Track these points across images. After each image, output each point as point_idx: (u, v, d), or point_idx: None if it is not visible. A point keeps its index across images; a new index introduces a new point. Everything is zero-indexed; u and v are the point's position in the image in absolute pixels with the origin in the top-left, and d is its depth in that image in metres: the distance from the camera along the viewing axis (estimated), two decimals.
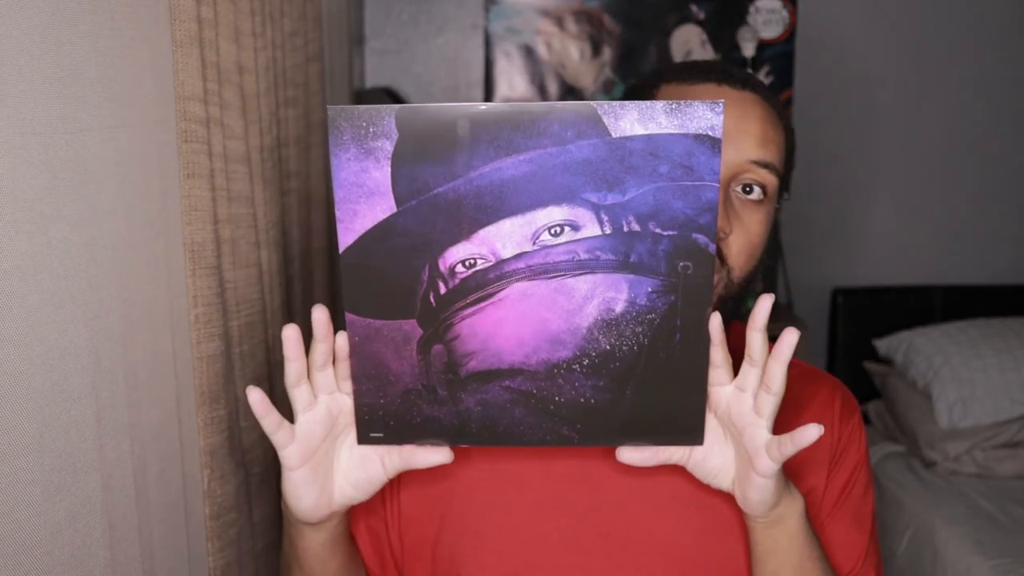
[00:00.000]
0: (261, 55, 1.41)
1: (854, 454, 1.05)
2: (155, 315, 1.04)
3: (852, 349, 2.96)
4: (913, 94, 2.97)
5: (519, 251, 0.74)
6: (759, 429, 0.83)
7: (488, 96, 2.89)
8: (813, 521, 1.00)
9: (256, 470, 1.36)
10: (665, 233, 0.74)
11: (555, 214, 0.73)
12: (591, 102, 0.70)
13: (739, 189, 0.93)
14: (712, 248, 0.75)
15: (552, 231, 0.74)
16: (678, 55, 2.96)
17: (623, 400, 0.79)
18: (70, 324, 0.86)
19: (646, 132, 0.71)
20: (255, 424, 1.36)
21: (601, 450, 0.98)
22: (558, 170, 0.72)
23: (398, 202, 0.74)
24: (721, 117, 0.70)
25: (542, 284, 0.76)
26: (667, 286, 0.76)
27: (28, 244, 0.80)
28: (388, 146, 0.72)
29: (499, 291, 0.76)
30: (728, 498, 0.96)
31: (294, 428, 0.88)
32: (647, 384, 0.78)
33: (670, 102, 0.70)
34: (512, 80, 2.91)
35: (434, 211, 0.73)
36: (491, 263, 0.75)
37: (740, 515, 0.97)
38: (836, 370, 2.98)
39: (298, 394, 0.87)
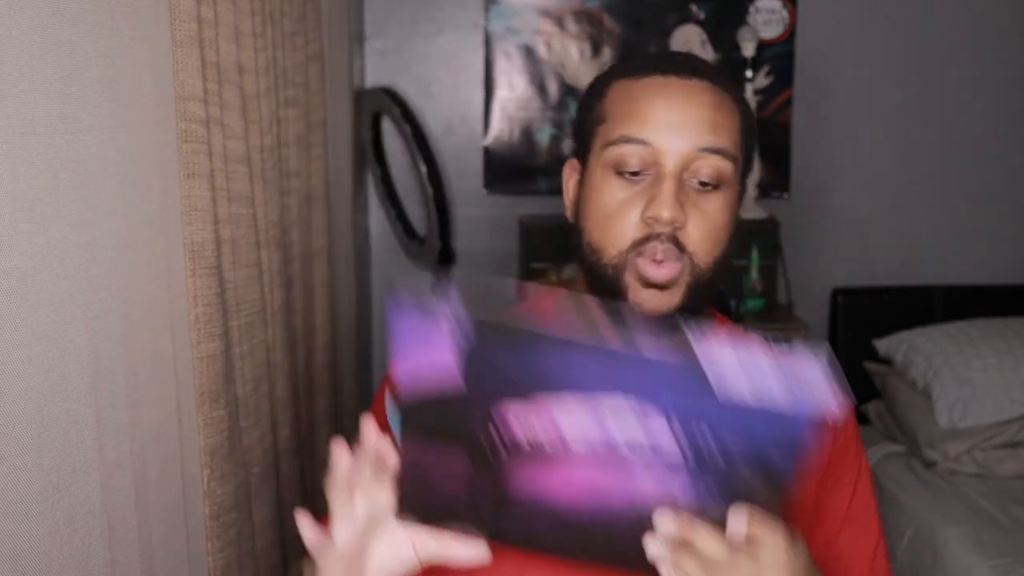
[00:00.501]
0: (261, 55, 1.41)
1: (852, 465, 1.04)
2: (155, 315, 1.04)
3: (852, 349, 2.95)
4: (913, 94, 2.97)
5: (585, 429, 0.74)
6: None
7: (488, 96, 2.89)
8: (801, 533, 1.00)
9: (256, 470, 1.36)
10: (742, 471, 0.73)
11: (627, 405, 0.72)
12: (697, 358, 0.69)
13: (693, 180, 0.94)
14: (787, 486, 0.75)
15: (621, 417, 0.73)
16: None
17: None
18: (70, 324, 0.86)
19: (753, 397, 0.70)
20: (255, 424, 1.36)
21: None
22: (641, 371, 0.71)
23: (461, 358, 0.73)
24: (825, 379, 0.70)
25: (605, 463, 0.75)
26: (733, 501, 0.77)
27: (28, 244, 0.80)
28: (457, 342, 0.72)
29: (558, 457, 0.76)
30: None
31: (334, 541, 0.85)
32: None
33: (776, 362, 0.69)
34: (512, 80, 2.91)
35: (497, 369, 0.73)
36: (553, 432, 0.74)
37: None
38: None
39: (339, 503, 0.84)
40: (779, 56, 2.95)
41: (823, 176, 3.02)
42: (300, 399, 1.69)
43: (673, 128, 0.92)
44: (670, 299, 0.93)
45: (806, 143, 3.00)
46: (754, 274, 2.76)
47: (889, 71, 3.00)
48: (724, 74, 0.99)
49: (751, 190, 2.80)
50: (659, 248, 0.91)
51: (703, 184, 0.93)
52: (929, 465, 2.63)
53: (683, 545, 0.78)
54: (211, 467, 1.17)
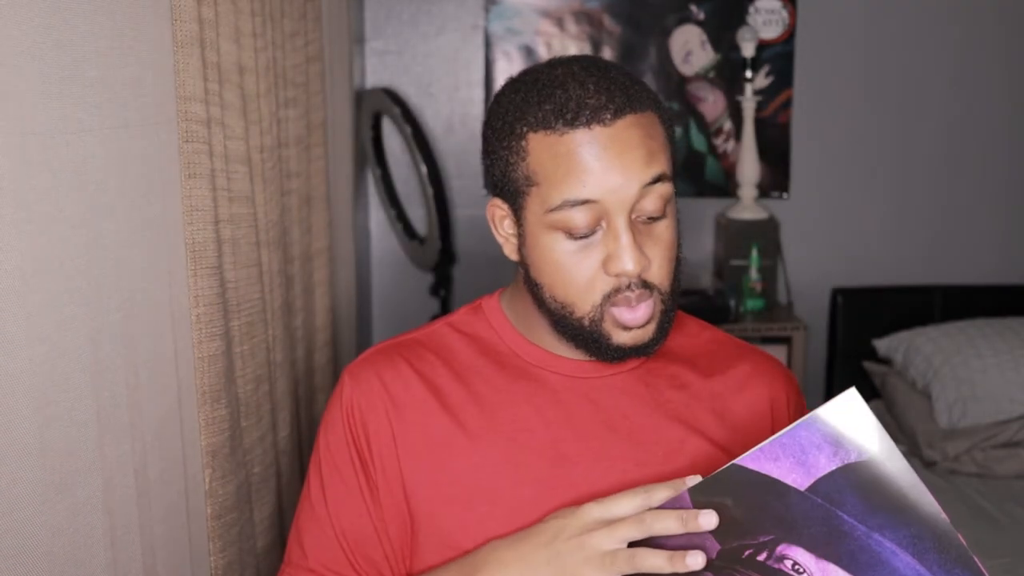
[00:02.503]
0: (262, 55, 1.41)
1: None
2: (156, 315, 1.04)
3: (852, 349, 2.95)
4: (913, 94, 2.97)
5: None
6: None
7: (488, 96, 2.89)
8: None
9: (257, 470, 1.36)
10: None
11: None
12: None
13: (642, 216, 0.94)
14: None
15: None
16: (678, 55, 2.96)
17: None
18: (71, 324, 0.86)
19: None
20: (256, 424, 1.36)
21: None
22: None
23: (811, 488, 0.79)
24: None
25: None
26: None
27: (29, 244, 0.81)
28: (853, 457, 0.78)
29: None
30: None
31: None
32: None
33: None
34: None
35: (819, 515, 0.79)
36: None
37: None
38: (836, 370, 2.98)
39: None
40: (779, 56, 2.95)
41: (823, 176, 3.02)
42: (300, 399, 1.69)
43: (614, 179, 0.91)
44: (647, 333, 0.95)
45: (806, 143, 3.00)
46: (754, 274, 2.76)
47: (889, 71, 3.00)
48: (633, 79, 0.97)
49: (752, 190, 2.80)
50: (632, 295, 0.92)
51: (651, 216, 0.94)
52: (929, 465, 2.63)
53: None
54: (212, 467, 1.17)
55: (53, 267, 0.84)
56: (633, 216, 0.93)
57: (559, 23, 2.91)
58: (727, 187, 2.97)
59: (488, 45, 2.90)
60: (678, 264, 0.98)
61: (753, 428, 1.04)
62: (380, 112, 2.74)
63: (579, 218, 0.91)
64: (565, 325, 0.96)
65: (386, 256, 2.92)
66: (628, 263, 0.90)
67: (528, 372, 1.01)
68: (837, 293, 2.99)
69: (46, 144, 0.83)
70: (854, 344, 2.98)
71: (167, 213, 1.07)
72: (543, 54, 2.92)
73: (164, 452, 1.06)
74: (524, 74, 1.00)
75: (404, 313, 2.92)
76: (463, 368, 1.02)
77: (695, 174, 3.00)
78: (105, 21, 0.92)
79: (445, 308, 2.79)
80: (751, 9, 2.92)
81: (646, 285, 0.93)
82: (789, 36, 2.94)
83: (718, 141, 2.99)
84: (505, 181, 0.96)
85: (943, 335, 2.76)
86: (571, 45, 2.93)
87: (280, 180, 1.54)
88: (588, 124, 0.92)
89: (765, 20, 2.94)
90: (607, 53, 2.93)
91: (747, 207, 2.80)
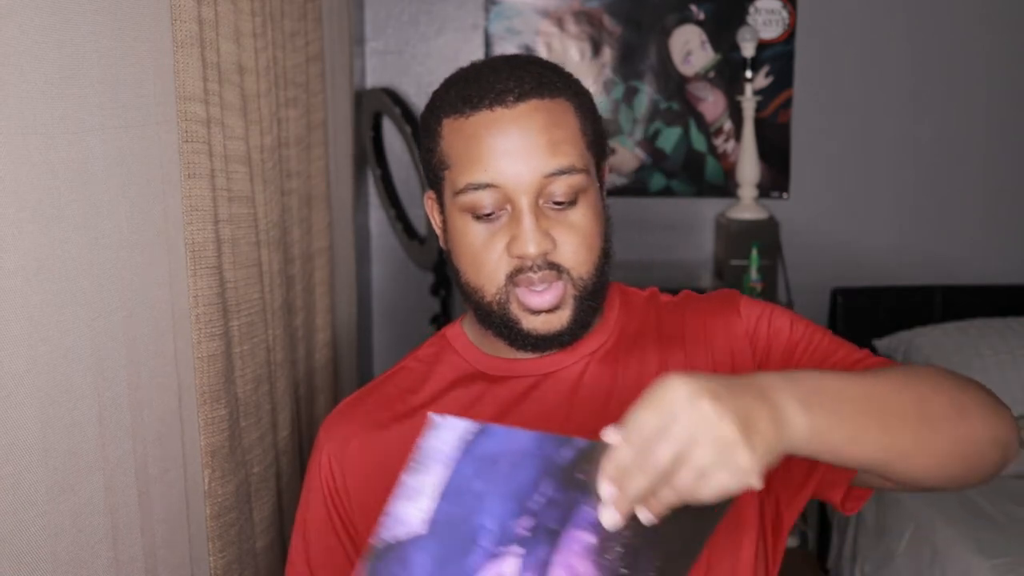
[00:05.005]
0: (262, 55, 1.41)
1: (765, 326, 1.02)
2: (157, 315, 1.04)
3: None
4: (913, 94, 2.98)
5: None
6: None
7: None
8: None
9: (256, 470, 1.36)
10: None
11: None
12: None
13: (549, 202, 0.94)
14: None
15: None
16: (678, 55, 2.96)
17: None
18: (72, 324, 0.86)
19: None
20: (255, 424, 1.36)
21: None
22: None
23: None
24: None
25: None
26: None
27: (30, 244, 0.81)
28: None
29: None
30: None
31: None
32: None
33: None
34: None
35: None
36: None
37: None
38: None
39: None
40: (779, 56, 2.95)
41: (823, 176, 3.02)
42: (300, 399, 1.69)
43: (514, 164, 0.92)
44: (560, 319, 0.94)
45: (806, 143, 3.00)
46: (754, 274, 2.76)
47: (889, 71, 3.00)
48: (550, 69, 0.98)
49: (752, 190, 2.80)
50: (535, 277, 0.92)
51: (559, 203, 0.94)
52: None
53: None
54: (212, 467, 1.17)
55: (54, 267, 0.84)
56: (541, 201, 0.93)
57: (559, 23, 2.91)
58: (727, 187, 2.97)
59: (488, 45, 2.90)
60: (603, 254, 0.97)
61: (738, 367, 1.04)
62: (380, 112, 2.74)
63: (483, 200, 0.92)
64: (480, 312, 0.96)
65: (386, 256, 2.92)
66: (528, 245, 0.91)
67: (497, 382, 1.01)
68: (837, 293, 2.99)
69: (47, 144, 0.83)
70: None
71: (168, 213, 1.07)
72: (543, 54, 2.92)
73: (165, 452, 1.06)
74: (457, 70, 1.02)
75: (404, 313, 2.93)
76: (433, 399, 1.02)
77: (695, 174, 3.00)
78: (106, 21, 0.92)
79: (445, 308, 2.79)
80: (751, 9, 2.92)
81: (554, 267, 0.93)
82: (789, 36, 2.94)
83: (718, 141, 2.99)
84: (428, 169, 0.99)
85: (943, 335, 2.76)
86: (571, 45, 2.93)
87: (280, 180, 1.55)
88: (491, 106, 0.93)
89: (765, 20, 2.94)
90: (607, 53, 2.93)
91: (747, 207, 2.80)
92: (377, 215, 2.91)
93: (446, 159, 0.95)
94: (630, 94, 2.97)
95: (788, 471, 0.99)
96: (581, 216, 0.95)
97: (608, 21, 2.93)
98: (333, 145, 1.99)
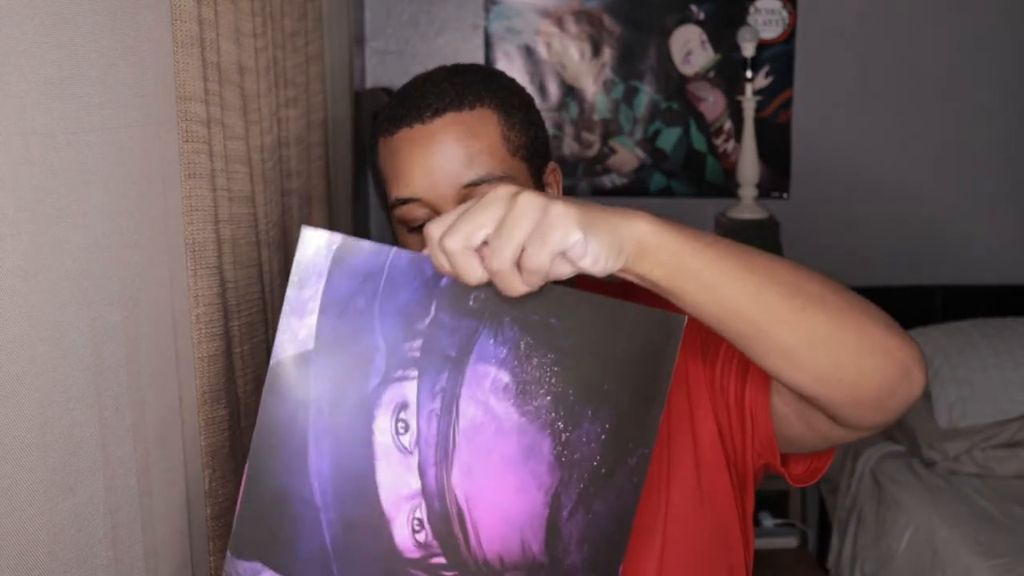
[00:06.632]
0: (262, 55, 1.41)
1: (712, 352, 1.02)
2: (157, 315, 1.04)
3: None
4: (912, 94, 2.98)
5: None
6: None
7: None
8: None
9: None
10: None
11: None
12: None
13: None
14: None
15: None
16: (678, 55, 2.96)
17: None
18: (72, 325, 0.86)
19: None
20: (256, 424, 1.36)
21: None
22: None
23: None
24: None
25: None
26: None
27: (30, 244, 0.80)
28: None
29: None
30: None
31: None
32: None
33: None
34: None
35: None
36: None
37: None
38: None
39: None
40: (779, 56, 2.95)
41: (823, 176, 3.02)
42: None
43: (432, 177, 0.95)
44: None
45: (806, 143, 3.00)
46: None
47: (889, 71, 3.00)
48: (478, 79, 1.00)
49: (752, 190, 2.80)
50: None
51: None
52: (929, 465, 2.63)
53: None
54: (212, 467, 1.17)
55: (54, 267, 0.84)
56: None
57: (559, 23, 2.91)
58: (727, 187, 2.97)
59: (488, 45, 2.90)
60: None
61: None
62: (380, 112, 2.74)
63: (411, 213, 0.96)
64: None
65: None
66: None
67: None
68: None
69: (47, 144, 0.83)
70: None
71: (168, 213, 1.07)
72: (543, 54, 2.92)
73: (166, 452, 1.06)
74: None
75: None
76: None
77: (695, 174, 3.00)
78: (106, 21, 0.92)
79: None
80: (751, 9, 2.92)
81: None
82: (789, 36, 2.94)
83: (718, 141, 2.99)
84: (376, 186, 1.05)
85: (943, 335, 2.76)
86: (571, 45, 2.93)
87: (280, 180, 1.55)
88: (410, 123, 0.98)
89: (765, 20, 2.94)
90: (607, 53, 2.93)
91: (747, 207, 2.80)
92: (377, 215, 2.91)
93: (382, 176, 1.01)
94: (630, 94, 2.97)
95: (732, 434, 1.01)
96: None
97: (608, 21, 2.93)
98: (333, 145, 1.99)
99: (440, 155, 0.95)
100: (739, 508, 1.05)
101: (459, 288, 0.71)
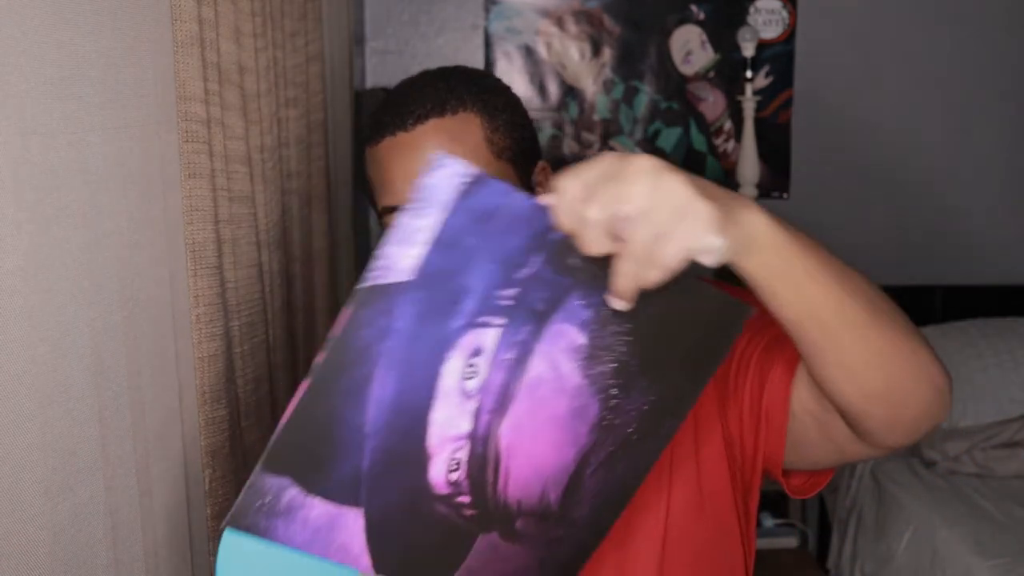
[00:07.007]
0: (262, 55, 1.41)
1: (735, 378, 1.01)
2: (157, 315, 1.04)
3: None
4: (912, 93, 2.98)
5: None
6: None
7: None
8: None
9: None
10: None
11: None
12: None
13: None
14: None
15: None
16: (678, 55, 2.96)
17: None
18: (72, 324, 0.86)
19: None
20: (256, 423, 1.36)
21: None
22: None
23: None
24: None
25: None
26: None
27: (30, 244, 0.80)
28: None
29: None
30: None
31: None
32: None
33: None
34: (512, 80, 2.90)
35: None
36: None
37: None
38: None
39: None
40: (779, 56, 2.95)
41: (823, 176, 3.02)
42: None
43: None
44: None
45: (806, 143, 3.00)
46: None
47: (888, 70, 3.00)
48: (460, 82, 1.00)
49: (752, 190, 2.80)
50: None
51: None
52: (929, 465, 2.63)
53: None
54: (212, 467, 1.17)
55: (54, 267, 0.84)
56: None
57: (559, 23, 2.91)
58: (727, 187, 2.97)
59: (488, 45, 2.90)
60: None
61: None
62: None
63: None
64: None
65: None
66: None
67: None
68: None
69: (47, 144, 0.83)
70: None
71: (168, 213, 1.07)
72: (543, 54, 2.92)
73: (166, 453, 1.06)
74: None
75: None
76: None
77: (695, 174, 3.01)
78: (106, 21, 0.92)
79: None
80: (751, 9, 2.92)
81: None
82: (789, 36, 2.94)
83: (718, 141, 2.99)
84: (366, 193, 1.05)
85: (943, 335, 2.77)
86: (571, 45, 2.93)
87: (280, 180, 1.55)
88: (393, 132, 0.97)
89: (765, 20, 2.94)
90: (607, 53, 2.93)
91: None
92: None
93: (370, 184, 1.01)
94: (630, 94, 2.97)
95: (743, 441, 1.00)
96: None
97: (608, 21, 2.93)
98: (333, 145, 1.99)
99: (422, 162, 0.92)
100: (740, 511, 1.04)
101: (567, 245, 0.69)
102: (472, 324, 0.71)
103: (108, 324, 0.93)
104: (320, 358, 0.70)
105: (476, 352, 0.71)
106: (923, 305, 3.00)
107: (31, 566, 0.81)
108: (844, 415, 0.85)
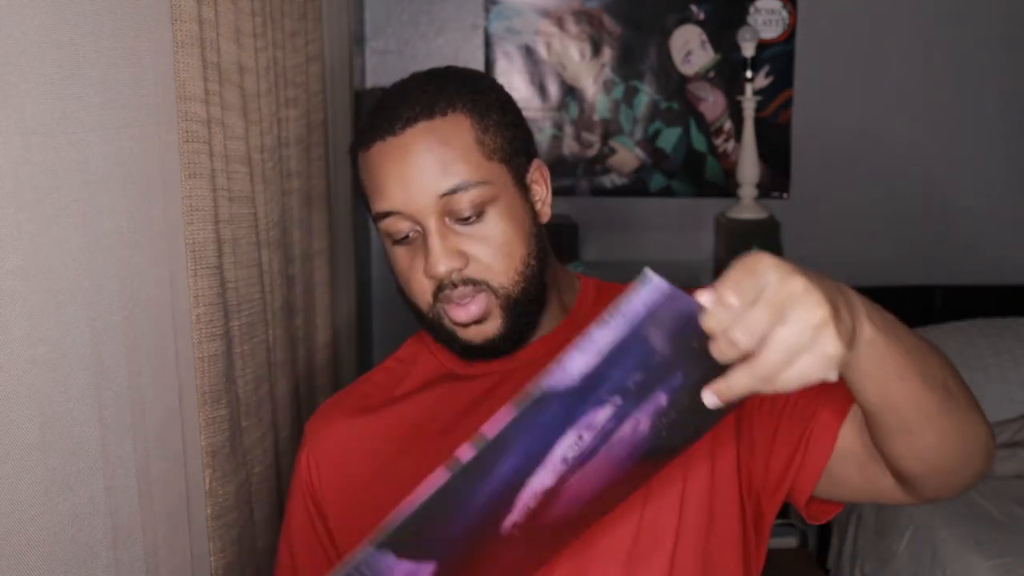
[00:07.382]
0: (262, 55, 1.41)
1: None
2: (157, 315, 1.04)
3: None
4: (912, 94, 2.98)
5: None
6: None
7: None
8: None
9: (257, 470, 1.36)
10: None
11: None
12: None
13: (455, 221, 0.95)
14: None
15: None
16: (678, 55, 2.96)
17: None
18: (72, 324, 0.86)
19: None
20: (256, 424, 1.36)
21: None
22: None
23: None
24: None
25: None
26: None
27: (30, 244, 0.81)
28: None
29: None
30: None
31: None
32: None
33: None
34: (512, 80, 2.90)
35: None
36: None
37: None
38: None
39: None
40: (779, 56, 2.95)
41: (823, 176, 3.02)
42: (300, 399, 1.69)
43: (408, 190, 0.94)
44: (493, 328, 0.97)
45: (806, 143, 3.00)
46: None
47: (888, 70, 3.00)
48: (451, 83, 0.99)
49: (752, 190, 2.80)
50: (454, 293, 0.95)
51: (466, 218, 0.94)
52: None
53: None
54: (212, 467, 1.17)
55: (54, 267, 0.84)
56: (447, 219, 0.95)
57: (559, 23, 2.91)
58: (727, 187, 2.97)
59: (488, 45, 2.90)
60: (528, 258, 0.98)
61: None
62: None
63: (393, 226, 0.96)
64: (425, 326, 1.00)
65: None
66: (436, 266, 0.94)
67: (466, 380, 1.03)
68: None
69: (47, 144, 0.83)
70: None
71: (168, 213, 1.07)
72: (543, 54, 2.92)
73: (166, 452, 1.06)
74: None
75: (404, 313, 2.92)
76: (407, 396, 1.05)
77: (695, 174, 3.00)
78: (106, 21, 0.92)
79: None
80: (751, 9, 2.92)
81: (469, 282, 0.95)
82: (789, 36, 2.94)
83: (718, 141, 2.99)
84: (360, 199, 1.04)
85: (943, 335, 2.76)
86: (571, 45, 2.93)
87: (280, 180, 1.55)
88: (383, 136, 0.96)
89: (765, 20, 2.94)
90: (607, 53, 2.93)
91: (747, 207, 2.80)
92: None
93: (364, 190, 1.00)
94: (630, 94, 2.97)
95: (767, 468, 0.99)
96: (492, 226, 0.96)
97: (608, 21, 2.93)
98: (333, 145, 1.99)
99: (414, 167, 0.94)
100: (744, 523, 1.02)
101: (698, 334, 0.69)
102: (599, 402, 0.71)
103: (108, 324, 0.93)
104: (466, 455, 0.69)
105: (589, 426, 0.72)
106: (923, 305, 3.00)
107: (30, 566, 0.81)
108: (897, 476, 0.87)
